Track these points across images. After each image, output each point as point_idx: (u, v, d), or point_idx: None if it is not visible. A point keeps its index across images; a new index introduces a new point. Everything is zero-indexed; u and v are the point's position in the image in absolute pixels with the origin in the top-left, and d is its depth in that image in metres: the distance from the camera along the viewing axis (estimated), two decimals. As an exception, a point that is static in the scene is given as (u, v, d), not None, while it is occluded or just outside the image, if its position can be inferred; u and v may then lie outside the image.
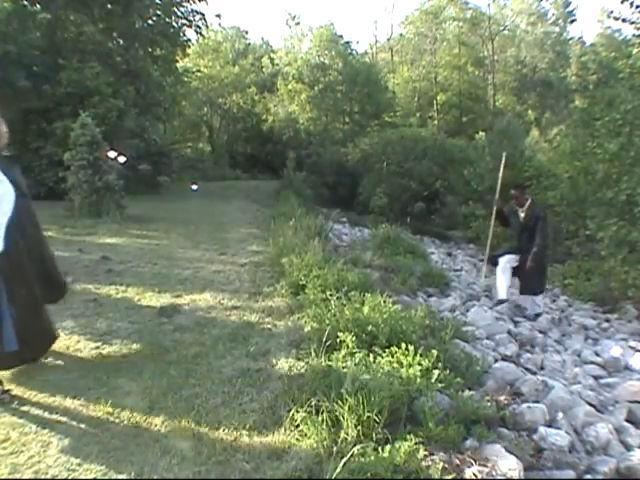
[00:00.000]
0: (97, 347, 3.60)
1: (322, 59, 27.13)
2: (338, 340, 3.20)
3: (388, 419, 2.49)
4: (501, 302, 6.06)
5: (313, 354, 3.21)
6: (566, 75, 34.92)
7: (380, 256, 7.31)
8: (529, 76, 35.58)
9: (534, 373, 3.77)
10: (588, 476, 2.42)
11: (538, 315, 5.92)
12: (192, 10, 17.62)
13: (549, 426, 2.75)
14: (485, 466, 2.27)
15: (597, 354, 4.64)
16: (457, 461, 2.29)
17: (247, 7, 70.93)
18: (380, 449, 2.23)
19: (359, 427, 2.39)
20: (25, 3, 13.86)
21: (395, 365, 2.88)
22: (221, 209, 12.27)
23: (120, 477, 2.21)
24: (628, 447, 2.76)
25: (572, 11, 38.03)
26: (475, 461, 2.29)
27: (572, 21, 38.37)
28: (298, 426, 2.52)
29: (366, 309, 3.69)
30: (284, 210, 10.07)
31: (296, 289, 4.84)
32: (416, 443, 2.27)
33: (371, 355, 3.01)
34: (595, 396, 3.42)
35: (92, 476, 2.22)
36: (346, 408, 2.46)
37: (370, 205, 14.14)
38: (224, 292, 5.02)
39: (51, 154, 12.22)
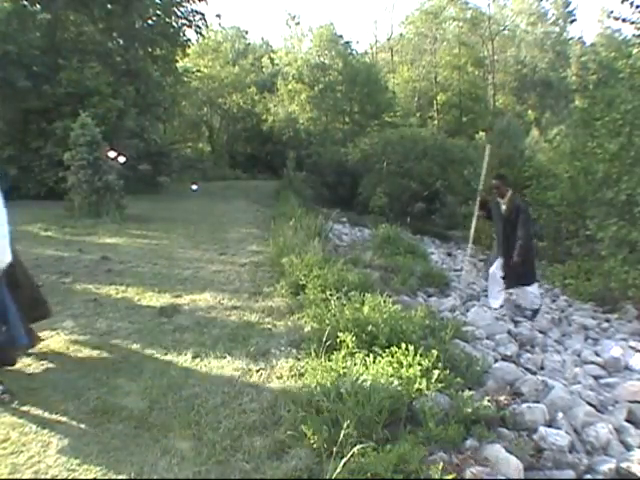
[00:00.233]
0: (97, 347, 3.60)
1: (322, 59, 27.13)
2: (338, 340, 3.20)
3: (388, 419, 2.49)
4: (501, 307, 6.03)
5: (313, 354, 3.21)
6: (566, 75, 34.91)
7: (380, 256, 7.32)
8: (529, 76, 35.60)
9: (534, 373, 3.77)
10: (588, 476, 2.42)
11: (536, 312, 5.86)
12: (192, 10, 17.63)
13: (549, 426, 2.75)
14: (485, 466, 2.27)
15: (597, 354, 4.64)
16: (457, 461, 2.29)
17: (247, 7, 70.97)
18: (380, 449, 2.23)
19: (359, 427, 2.39)
20: (25, 3, 13.86)
21: (395, 365, 2.88)
22: (221, 209, 12.27)
23: (120, 477, 2.21)
24: (628, 447, 2.76)
25: (572, 11, 38.12)
26: (475, 461, 2.29)
27: (572, 21, 38.47)
28: (298, 426, 2.52)
29: (366, 309, 3.68)
30: (284, 210, 10.08)
31: (296, 289, 4.85)
32: (416, 443, 2.27)
33: (371, 355, 3.01)
34: (595, 396, 3.42)
35: (92, 476, 2.22)
36: (346, 408, 2.46)
37: (370, 205, 14.13)
38: (224, 292, 5.02)
39: (51, 154, 12.23)
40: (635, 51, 8.70)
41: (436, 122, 31.45)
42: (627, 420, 3.10)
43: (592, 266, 7.78)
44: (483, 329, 4.77)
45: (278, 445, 2.41)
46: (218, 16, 38.77)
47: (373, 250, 7.90)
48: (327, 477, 2.07)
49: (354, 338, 3.16)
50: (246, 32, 36.33)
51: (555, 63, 36.06)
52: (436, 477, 2.10)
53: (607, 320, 6.18)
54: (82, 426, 2.61)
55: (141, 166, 14.69)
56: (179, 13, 17.28)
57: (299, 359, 3.39)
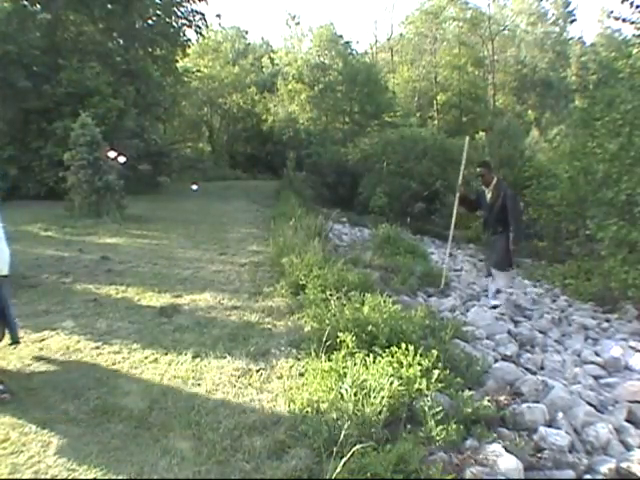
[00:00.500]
0: (97, 347, 3.60)
1: (322, 59, 27.14)
2: (338, 340, 3.19)
3: (388, 419, 2.49)
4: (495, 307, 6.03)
5: (313, 354, 3.21)
6: (566, 75, 34.94)
7: (380, 256, 7.31)
8: (529, 76, 35.59)
9: (534, 373, 3.77)
10: (588, 476, 2.42)
11: (498, 293, 5.83)
12: (192, 10, 17.65)
13: (549, 426, 2.75)
14: (485, 466, 2.27)
15: (597, 354, 4.63)
16: (457, 461, 2.29)
17: (247, 7, 70.98)
18: (380, 449, 2.23)
19: (359, 427, 2.39)
20: (25, 3, 13.87)
21: (395, 365, 2.88)
22: (221, 209, 12.27)
23: (120, 477, 2.21)
24: (628, 447, 2.76)
25: (572, 11, 38.15)
26: (475, 461, 2.29)
27: (572, 21, 38.51)
28: (298, 426, 2.52)
29: (366, 309, 3.68)
30: (284, 210, 10.07)
31: (296, 289, 4.85)
32: (416, 443, 2.27)
33: (371, 355, 3.01)
34: (595, 396, 3.42)
35: (92, 476, 2.22)
36: (346, 408, 2.46)
37: (370, 205, 14.11)
38: (224, 292, 5.02)
39: (51, 154, 12.24)
40: (635, 51, 8.69)
41: (436, 122, 31.43)
42: (627, 420, 3.09)
43: (592, 266, 7.78)
44: (483, 329, 4.76)
45: (278, 445, 2.41)
46: (218, 16, 38.88)
47: (373, 250, 7.90)
48: (327, 477, 2.07)
49: (354, 338, 3.16)
50: (246, 32, 36.44)
51: (555, 63, 36.07)
52: (436, 477, 2.10)
53: (607, 320, 6.17)
54: (82, 426, 2.61)
55: (141, 166, 14.69)
56: (179, 13, 17.30)
57: (299, 359, 3.39)
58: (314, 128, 26.58)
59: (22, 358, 3.40)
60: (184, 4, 17.27)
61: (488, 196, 5.98)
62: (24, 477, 2.22)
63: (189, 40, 18.70)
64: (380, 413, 2.44)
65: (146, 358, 3.43)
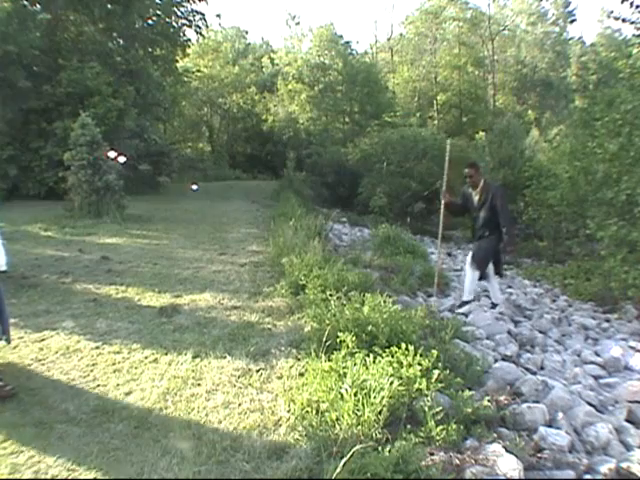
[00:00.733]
0: (97, 347, 3.60)
1: (322, 59, 27.17)
2: (338, 340, 3.19)
3: (388, 419, 2.49)
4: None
5: (313, 354, 3.21)
6: (566, 75, 34.93)
7: (380, 256, 7.31)
8: (529, 76, 35.58)
9: (534, 373, 3.77)
10: (588, 476, 2.42)
11: (466, 303, 5.76)
12: (192, 10, 17.65)
13: (549, 426, 2.75)
14: (485, 466, 2.27)
15: (597, 354, 4.63)
16: (457, 461, 2.29)
17: (247, 7, 70.94)
18: (380, 449, 2.23)
19: (359, 427, 2.39)
20: (25, 3, 13.85)
21: (395, 365, 2.88)
22: (221, 209, 12.27)
23: (120, 477, 2.21)
24: (628, 447, 2.76)
25: (572, 11, 38.09)
26: (475, 461, 2.29)
27: (572, 21, 38.43)
28: (298, 426, 2.52)
29: (366, 309, 3.68)
30: (284, 210, 10.07)
31: (296, 289, 4.84)
32: (416, 443, 2.27)
33: (371, 355, 3.01)
34: (595, 396, 3.42)
35: (92, 476, 2.22)
36: (346, 408, 2.46)
37: (370, 205, 14.12)
38: (224, 292, 5.02)
39: (51, 154, 12.24)
40: (635, 51, 8.70)
41: (436, 122, 31.45)
42: (627, 420, 3.09)
43: (592, 266, 7.78)
44: (483, 329, 4.77)
45: (278, 445, 2.41)
46: (218, 16, 38.90)
47: (373, 250, 7.91)
48: (327, 477, 2.07)
49: (354, 338, 3.16)
50: (246, 32, 36.45)
51: (555, 63, 36.04)
52: (436, 477, 2.10)
53: (607, 320, 6.17)
54: (82, 426, 2.61)
55: (141, 166, 14.70)
56: (179, 13, 17.31)
57: (299, 359, 3.39)
58: (314, 128, 26.61)
59: (22, 358, 3.40)
60: (184, 4, 17.27)
61: (475, 198, 5.81)
62: (24, 477, 2.22)
63: (189, 40, 18.72)
64: (380, 413, 2.44)
65: (146, 358, 3.43)
